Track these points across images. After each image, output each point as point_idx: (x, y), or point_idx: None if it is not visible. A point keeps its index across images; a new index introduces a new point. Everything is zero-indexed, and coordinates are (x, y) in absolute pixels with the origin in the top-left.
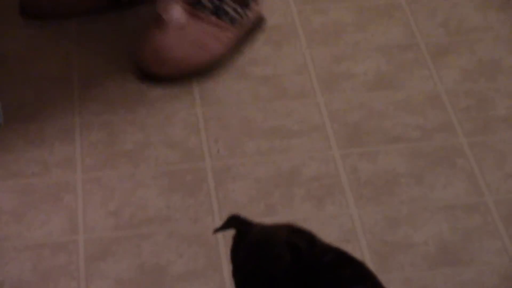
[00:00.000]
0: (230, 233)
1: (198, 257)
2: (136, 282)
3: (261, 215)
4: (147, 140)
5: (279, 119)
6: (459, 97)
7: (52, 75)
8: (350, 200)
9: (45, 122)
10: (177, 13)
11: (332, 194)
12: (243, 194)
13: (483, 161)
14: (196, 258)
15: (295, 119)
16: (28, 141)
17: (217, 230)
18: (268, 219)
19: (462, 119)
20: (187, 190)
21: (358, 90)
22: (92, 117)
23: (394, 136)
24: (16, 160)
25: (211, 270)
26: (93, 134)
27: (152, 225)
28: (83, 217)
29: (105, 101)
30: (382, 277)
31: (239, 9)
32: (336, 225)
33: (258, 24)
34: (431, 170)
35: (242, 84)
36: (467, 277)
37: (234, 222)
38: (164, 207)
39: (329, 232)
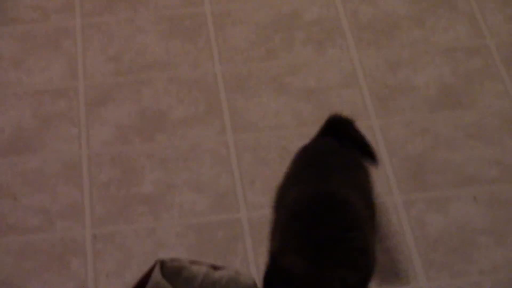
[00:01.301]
0: (230, 76)
1: (199, 102)
2: (136, 128)
3: (261, 59)
4: None
5: None
6: None
7: None
8: (350, 43)
9: None
10: None
11: (333, 38)
12: (243, 39)
13: (485, 2)
14: (196, 103)
15: None
16: None
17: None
18: (268, 64)
19: None
20: (186, 35)
21: None
22: None
23: None
24: (15, 5)
25: (211, 115)
26: None
27: (152, 71)
28: (83, 63)
29: None
30: (383, 120)
31: None
32: (337, 69)
33: None
34: (432, 13)
35: None
36: (468, 120)
37: (335, 122)
38: (164, 52)
39: (330, 77)
